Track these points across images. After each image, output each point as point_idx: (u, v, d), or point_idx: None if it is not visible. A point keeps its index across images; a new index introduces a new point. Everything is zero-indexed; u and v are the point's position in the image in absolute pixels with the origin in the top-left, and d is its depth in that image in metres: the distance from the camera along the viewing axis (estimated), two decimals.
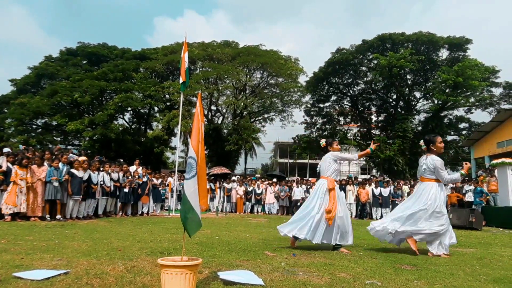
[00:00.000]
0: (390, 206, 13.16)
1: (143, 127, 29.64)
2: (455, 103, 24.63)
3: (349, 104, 30.77)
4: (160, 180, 13.14)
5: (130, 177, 10.60)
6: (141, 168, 12.07)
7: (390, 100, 29.08)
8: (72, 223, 7.74)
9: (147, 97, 25.45)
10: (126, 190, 10.30)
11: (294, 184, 15.08)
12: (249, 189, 15.29)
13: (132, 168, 11.63)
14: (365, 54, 27.81)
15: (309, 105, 30.30)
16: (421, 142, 5.06)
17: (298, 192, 14.43)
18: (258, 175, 21.05)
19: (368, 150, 5.27)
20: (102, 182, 9.53)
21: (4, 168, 7.96)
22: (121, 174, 10.43)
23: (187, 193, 2.68)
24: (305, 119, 30.59)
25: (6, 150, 9.35)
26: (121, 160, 12.59)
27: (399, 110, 27.79)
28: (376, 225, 4.88)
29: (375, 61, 26.24)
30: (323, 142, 5.27)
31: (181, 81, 12.33)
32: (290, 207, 14.91)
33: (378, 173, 27.39)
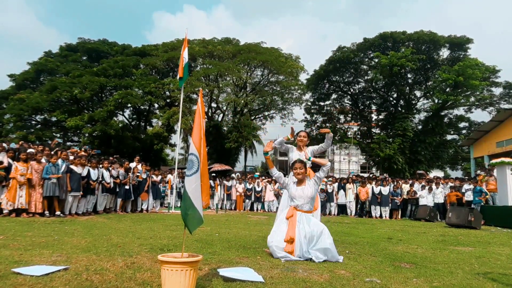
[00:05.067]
0: (390, 205, 13.19)
1: (143, 123, 29.59)
2: (455, 102, 24.65)
3: (350, 103, 30.77)
4: (159, 177, 13.14)
5: (129, 174, 10.59)
6: (140, 165, 12.06)
7: (391, 99, 29.08)
8: (71, 219, 7.74)
9: (147, 94, 25.38)
10: (127, 187, 10.30)
11: None
12: (249, 186, 15.30)
13: (132, 165, 11.62)
14: (366, 53, 27.79)
15: (309, 103, 30.30)
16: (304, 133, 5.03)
17: None
18: (258, 173, 21.02)
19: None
20: (101, 179, 9.52)
21: (5, 163, 7.95)
22: (121, 170, 10.41)
23: (188, 189, 2.67)
24: (306, 117, 30.61)
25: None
26: (118, 156, 12.58)
27: (400, 109, 27.79)
28: None
29: (376, 60, 26.22)
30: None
31: (178, 76, 12.35)
32: None
33: (378, 171, 27.42)
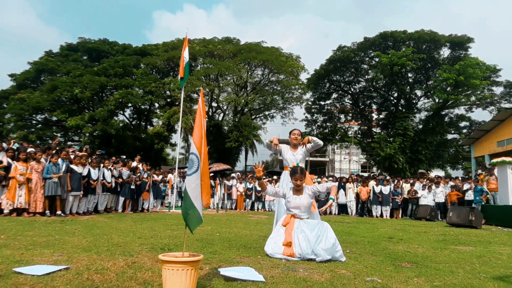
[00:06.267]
0: (390, 204, 13.18)
1: (144, 123, 29.62)
2: (456, 101, 24.64)
3: (350, 102, 30.78)
4: (160, 176, 13.15)
5: (138, 174, 10.69)
6: (141, 164, 12.07)
7: (391, 98, 29.06)
8: (72, 218, 7.74)
9: (148, 93, 25.41)
10: (133, 186, 10.37)
11: None
12: (250, 186, 15.30)
13: (133, 164, 11.63)
14: (366, 52, 27.79)
15: (310, 103, 30.31)
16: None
17: None
18: None
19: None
20: (102, 178, 9.53)
21: (4, 163, 7.96)
22: (124, 170, 10.43)
23: (188, 189, 2.68)
24: (306, 117, 30.63)
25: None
26: (123, 157, 12.60)
27: (400, 108, 27.78)
28: None
29: (377, 59, 26.21)
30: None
31: (179, 76, 12.36)
32: None
33: (378, 171, 27.42)
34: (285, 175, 4.92)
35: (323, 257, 3.63)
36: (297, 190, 4.20)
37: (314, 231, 3.83)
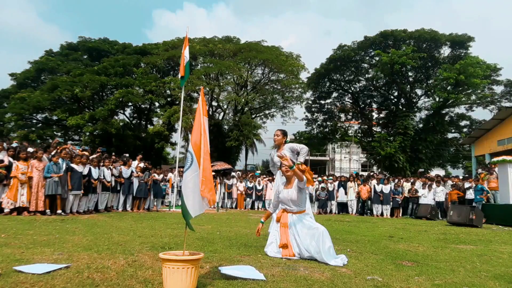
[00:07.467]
0: (391, 203, 13.18)
1: (144, 122, 29.63)
2: (456, 100, 24.63)
3: (350, 101, 30.78)
4: (161, 175, 13.15)
5: (152, 174, 10.84)
6: (142, 163, 12.05)
7: (391, 97, 29.05)
8: (72, 217, 7.74)
9: (148, 93, 25.41)
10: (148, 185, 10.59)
11: None
12: (250, 185, 15.30)
13: (134, 163, 11.63)
14: (366, 51, 27.77)
15: (310, 102, 30.31)
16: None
17: None
18: (258, 171, 21.02)
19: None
20: (102, 177, 9.52)
21: (6, 162, 7.95)
22: (124, 168, 10.42)
23: (182, 185, 2.75)
24: (306, 116, 30.64)
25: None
26: (127, 155, 12.59)
27: (400, 107, 27.76)
28: None
29: (377, 58, 26.19)
30: None
31: (180, 76, 12.34)
32: None
33: (379, 170, 27.43)
34: (278, 175, 4.94)
35: (321, 259, 3.58)
36: (288, 180, 4.13)
37: (309, 235, 3.76)
